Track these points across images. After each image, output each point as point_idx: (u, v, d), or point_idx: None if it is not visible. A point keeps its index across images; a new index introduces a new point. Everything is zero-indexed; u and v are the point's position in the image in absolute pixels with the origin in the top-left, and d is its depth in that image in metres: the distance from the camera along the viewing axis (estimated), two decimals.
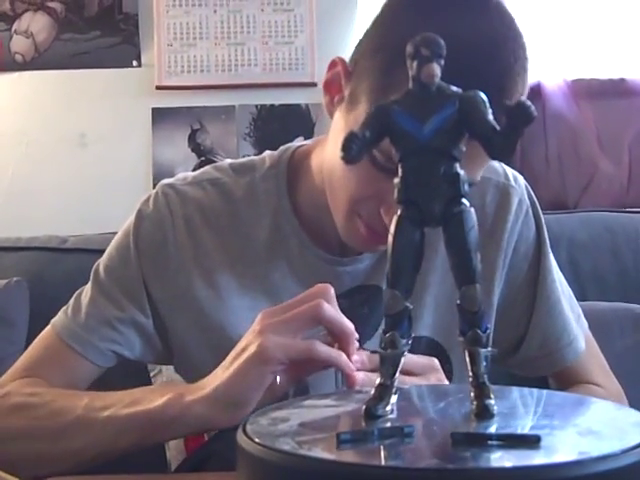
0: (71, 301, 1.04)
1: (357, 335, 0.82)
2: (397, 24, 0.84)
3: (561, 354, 1.07)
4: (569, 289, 1.11)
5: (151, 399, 0.86)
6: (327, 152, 0.94)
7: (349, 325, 0.80)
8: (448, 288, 0.98)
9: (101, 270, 1.03)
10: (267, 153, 1.05)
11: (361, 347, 0.90)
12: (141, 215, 1.02)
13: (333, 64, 0.91)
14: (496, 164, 1.04)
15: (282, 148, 1.04)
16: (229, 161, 1.07)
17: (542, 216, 1.07)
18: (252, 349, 0.79)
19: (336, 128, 0.90)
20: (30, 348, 1.03)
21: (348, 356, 0.80)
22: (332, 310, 0.80)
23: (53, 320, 1.03)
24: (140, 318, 1.00)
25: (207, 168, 1.06)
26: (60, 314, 1.03)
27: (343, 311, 0.88)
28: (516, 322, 1.06)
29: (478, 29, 0.83)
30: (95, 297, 1.01)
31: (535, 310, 1.05)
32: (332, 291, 0.82)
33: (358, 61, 0.88)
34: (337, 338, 0.81)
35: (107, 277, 1.02)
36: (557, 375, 1.11)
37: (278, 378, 0.80)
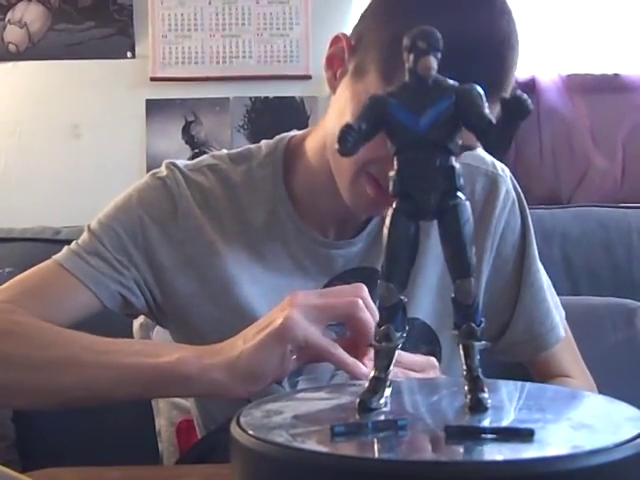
0: (73, 244, 1.03)
1: None
2: (402, 9, 0.86)
3: (544, 339, 1.10)
4: (548, 279, 1.15)
5: (158, 353, 0.85)
6: (330, 123, 0.95)
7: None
8: (439, 271, 1.02)
9: (99, 230, 1.02)
10: (263, 142, 1.08)
11: None
12: (149, 185, 1.04)
13: (336, 39, 0.93)
14: (483, 154, 1.07)
15: (278, 137, 1.07)
16: (225, 151, 1.10)
17: (526, 206, 1.10)
18: (277, 324, 0.80)
19: (340, 100, 0.92)
20: (18, 278, 1.01)
21: (362, 355, 0.81)
22: (366, 312, 0.81)
23: (55, 257, 1.01)
24: (139, 280, 1.01)
25: (205, 156, 1.09)
26: (66, 253, 1.02)
27: None
28: (502, 308, 1.09)
29: (479, 20, 0.85)
30: (100, 249, 1.01)
31: (520, 296, 1.09)
32: (367, 291, 0.83)
33: (363, 35, 0.90)
34: (358, 335, 0.81)
35: (108, 239, 1.01)
36: (535, 365, 1.13)
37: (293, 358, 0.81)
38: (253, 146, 1.08)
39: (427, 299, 1.03)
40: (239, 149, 1.09)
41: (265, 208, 1.02)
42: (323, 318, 0.81)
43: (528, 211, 1.10)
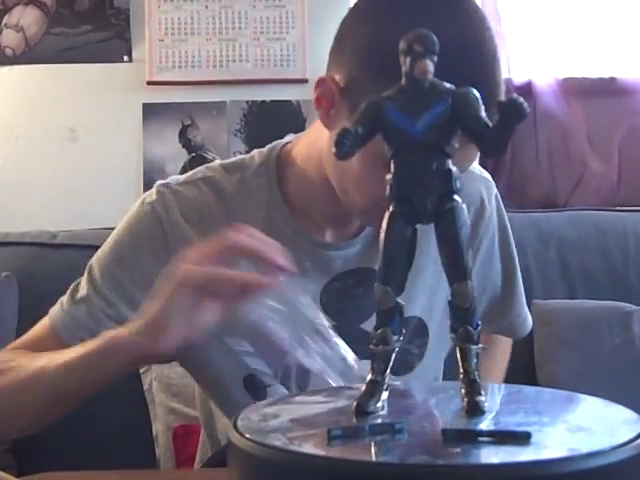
0: (68, 292, 1.05)
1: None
2: (386, 37, 0.83)
3: (520, 330, 1.23)
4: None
5: (94, 341, 0.92)
6: (331, 159, 0.95)
7: (265, 243, 0.85)
8: (436, 271, 1.02)
9: (96, 270, 1.03)
10: (256, 151, 1.08)
11: (359, 326, 1.01)
12: (139, 214, 1.04)
13: (321, 81, 0.92)
14: None
15: (270, 146, 1.07)
16: (219, 161, 1.11)
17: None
18: (171, 278, 0.84)
19: None
20: (25, 335, 1.06)
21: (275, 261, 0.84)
22: (244, 237, 0.84)
23: (51, 310, 1.05)
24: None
25: (199, 168, 1.09)
26: (57, 305, 1.05)
27: (338, 292, 1.01)
28: (488, 301, 1.15)
29: (460, 31, 0.86)
30: (89, 295, 1.02)
31: (507, 293, 1.17)
32: (251, 229, 0.86)
33: (355, 81, 0.89)
34: (261, 259, 0.84)
35: (103, 279, 1.02)
36: None
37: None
38: (246, 156, 1.08)
39: (424, 298, 1.06)
40: (232, 159, 1.10)
41: (261, 215, 1.03)
42: (212, 261, 0.83)
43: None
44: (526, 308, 1.23)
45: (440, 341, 1.08)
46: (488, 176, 1.15)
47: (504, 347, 1.33)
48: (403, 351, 0.92)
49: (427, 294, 1.05)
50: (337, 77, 0.91)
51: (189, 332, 0.83)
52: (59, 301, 1.05)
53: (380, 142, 0.80)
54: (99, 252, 1.05)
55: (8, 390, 0.96)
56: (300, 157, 1.03)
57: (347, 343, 0.99)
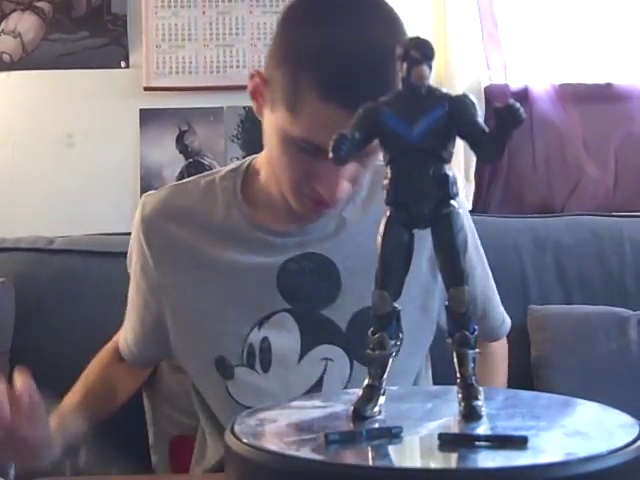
0: None
1: None
2: (293, 37, 0.97)
3: (499, 332, 1.26)
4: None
5: None
6: (267, 148, 1.06)
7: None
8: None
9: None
10: (234, 162, 1.20)
11: (319, 312, 1.06)
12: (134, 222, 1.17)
13: (251, 76, 1.04)
14: None
15: (247, 158, 1.18)
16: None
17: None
18: None
19: (267, 128, 1.04)
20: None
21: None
22: None
23: None
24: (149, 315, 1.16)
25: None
26: None
27: (293, 274, 1.08)
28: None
29: (366, 39, 0.93)
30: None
31: (485, 295, 1.19)
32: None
33: (269, 73, 1.01)
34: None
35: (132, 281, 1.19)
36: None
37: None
38: (230, 165, 1.18)
39: None
40: (219, 168, 1.21)
41: (221, 212, 1.11)
42: None
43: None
44: (502, 309, 1.25)
45: (414, 342, 1.08)
46: None
47: (502, 362, 1.32)
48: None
49: None
50: (263, 71, 1.02)
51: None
52: None
53: (285, 122, 0.95)
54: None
55: None
56: (263, 162, 1.12)
57: (305, 327, 1.07)
